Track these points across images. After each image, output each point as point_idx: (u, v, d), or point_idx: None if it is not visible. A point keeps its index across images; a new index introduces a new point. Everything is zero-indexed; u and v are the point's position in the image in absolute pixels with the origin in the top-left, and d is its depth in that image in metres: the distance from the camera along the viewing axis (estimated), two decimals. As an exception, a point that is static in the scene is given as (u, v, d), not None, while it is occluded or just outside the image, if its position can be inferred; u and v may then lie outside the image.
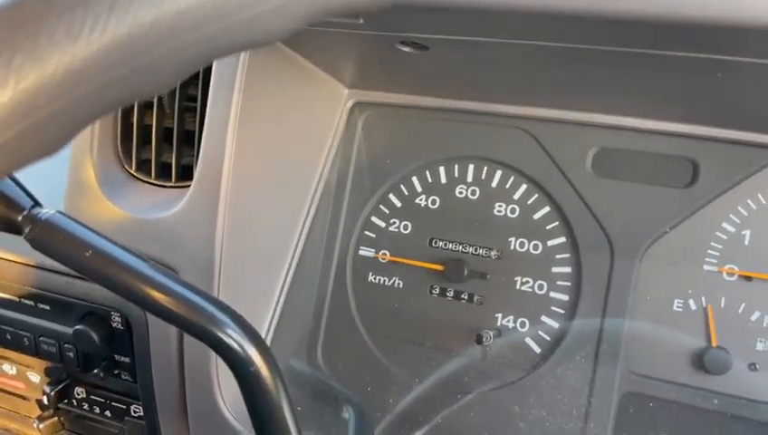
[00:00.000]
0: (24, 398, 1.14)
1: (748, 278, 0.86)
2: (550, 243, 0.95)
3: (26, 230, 0.60)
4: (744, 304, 0.86)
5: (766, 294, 0.85)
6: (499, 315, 0.96)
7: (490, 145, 0.98)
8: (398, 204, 1.03)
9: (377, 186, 1.04)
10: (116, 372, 0.97)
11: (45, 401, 1.02)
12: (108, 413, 1.04)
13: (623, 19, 0.52)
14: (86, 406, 1.05)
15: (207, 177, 0.83)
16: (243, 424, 0.86)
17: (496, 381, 0.94)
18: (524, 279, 0.95)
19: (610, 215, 0.91)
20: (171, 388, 0.90)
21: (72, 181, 0.92)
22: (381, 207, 1.03)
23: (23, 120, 0.26)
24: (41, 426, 1.06)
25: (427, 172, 1.02)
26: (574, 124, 0.93)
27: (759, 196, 0.87)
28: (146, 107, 0.93)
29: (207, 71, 0.84)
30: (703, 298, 0.87)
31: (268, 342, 0.94)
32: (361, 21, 0.67)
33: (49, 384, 1.04)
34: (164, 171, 0.93)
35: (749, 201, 0.87)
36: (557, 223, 0.95)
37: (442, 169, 1.01)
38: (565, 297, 0.93)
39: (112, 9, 0.27)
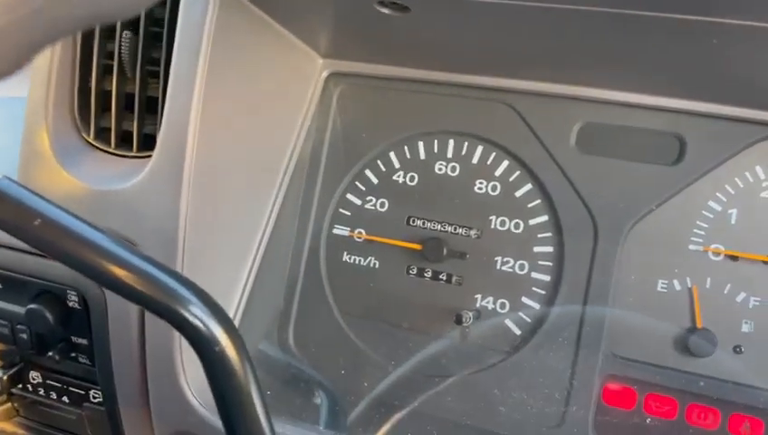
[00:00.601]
0: (-26, 383, 1.07)
1: (734, 258, 0.84)
2: (532, 222, 0.92)
3: (-34, 197, 0.55)
4: (729, 285, 0.84)
5: (752, 275, 0.83)
6: (478, 296, 0.92)
7: (471, 119, 0.94)
8: (375, 180, 0.98)
9: (352, 161, 0.99)
10: (73, 354, 0.92)
11: (-2, 385, 0.97)
12: (65, 399, 0.98)
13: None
14: (42, 391, 1.00)
15: (171, 146, 0.78)
16: (208, 409, 0.81)
17: (476, 364, 0.91)
18: (505, 259, 0.92)
19: (595, 193, 0.88)
20: (132, 371, 0.85)
21: (24, 149, 0.86)
22: (357, 183, 0.99)
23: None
24: (-7, 412, 1.00)
25: (406, 147, 0.97)
26: (559, 98, 0.90)
27: (746, 174, 0.84)
28: (105, 71, 0.87)
29: (172, 32, 0.78)
30: (688, 279, 0.85)
31: (236, 324, 0.89)
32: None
33: (1, 368, 0.98)
34: (125, 140, 0.87)
35: (736, 179, 0.85)
36: (539, 201, 0.91)
37: (421, 145, 0.97)
38: (547, 278, 0.90)
39: None
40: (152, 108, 0.85)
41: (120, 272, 0.57)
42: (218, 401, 0.59)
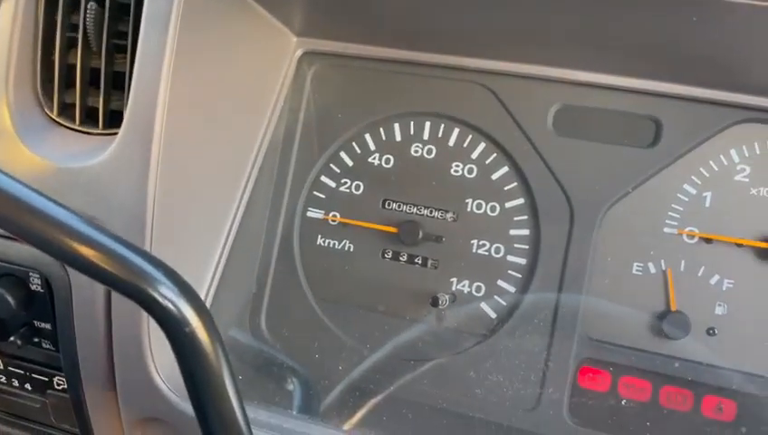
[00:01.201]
0: (-68, 371, 1.03)
1: (708, 241, 0.84)
2: (508, 204, 0.91)
3: None
4: (703, 268, 0.84)
5: (726, 257, 0.84)
6: (454, 280, 0.91)
7: (447, 101, 0.93)
8: (350, 163, 0.97)
9: (327, 143, 0.97)
10: (36, 340, 0.89)
11: (-44, 373, 0.93)
12: (28, 386, 0.95)
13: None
14: (3, 378, 0.96)
15: (138, 124, 0.75)
16: (178, 395, 0.79)
17: (452, 348, 0.90)
18: (481, 242, 0.91)
19: (571, 175, 0.88)
20: (98, 356, 0.83)
21: (-17, 126, 0.82)
22: (331, 165, 0.97)
23: None
24: (-49, 401, 0.96)
25: (381, 129, 0.96)
26: (536, 79, 0.89)
27: (721, 157, 0.85)
28: (70, 44, 0.84)
29: (139, 4, 0.75)
30: (662, 261, 0.85)
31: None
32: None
33: (-40, 355, 0.94)
34: (90, 117, 0.84)
35: (711, 162, 0.85)
36: (516, 184, 0.91)
37: (397, 126, 0.95)
38: (523, 261, 0.90)
39: None
40: (119, 83, 0.82)
41: (85, 250, 0.55)
42: (188, 384, 0.56)
